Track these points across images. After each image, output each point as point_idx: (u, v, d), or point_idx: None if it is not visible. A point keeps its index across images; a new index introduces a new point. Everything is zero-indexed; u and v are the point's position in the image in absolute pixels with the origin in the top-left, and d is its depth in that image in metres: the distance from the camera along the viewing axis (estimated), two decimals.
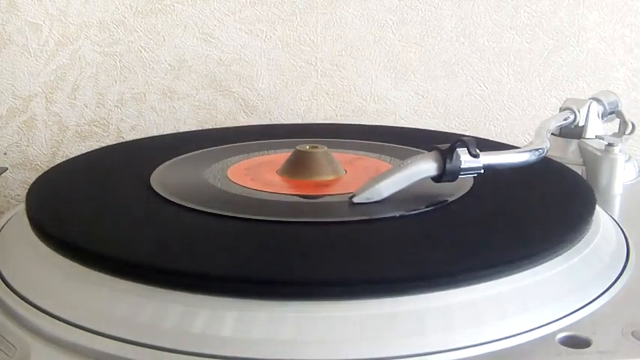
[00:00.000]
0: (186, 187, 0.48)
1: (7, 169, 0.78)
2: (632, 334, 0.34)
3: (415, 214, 0.43)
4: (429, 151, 0.45)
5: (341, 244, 0.40)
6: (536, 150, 0.48)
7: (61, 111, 0.79)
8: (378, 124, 0.78)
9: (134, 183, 0.49)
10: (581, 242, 0.41)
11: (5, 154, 0.80)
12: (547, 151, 0.48)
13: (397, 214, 0.43)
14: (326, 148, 0.52)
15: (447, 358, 0.33)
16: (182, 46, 0.79)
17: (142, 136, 0.78)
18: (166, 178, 0.50)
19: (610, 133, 0.62)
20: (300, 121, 0.81)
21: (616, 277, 0.41)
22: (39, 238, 0.41)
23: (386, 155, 0.56)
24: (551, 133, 0.57)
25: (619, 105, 0.63)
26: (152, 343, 0.33)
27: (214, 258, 0.38)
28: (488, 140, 0.60)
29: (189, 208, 0.44)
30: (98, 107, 0.80)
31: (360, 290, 0.34)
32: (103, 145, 0.79)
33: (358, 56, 0.81)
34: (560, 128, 0.61)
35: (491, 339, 0.34)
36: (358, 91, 0.81)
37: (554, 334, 0.35)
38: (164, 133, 0.79)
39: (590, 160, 0.58)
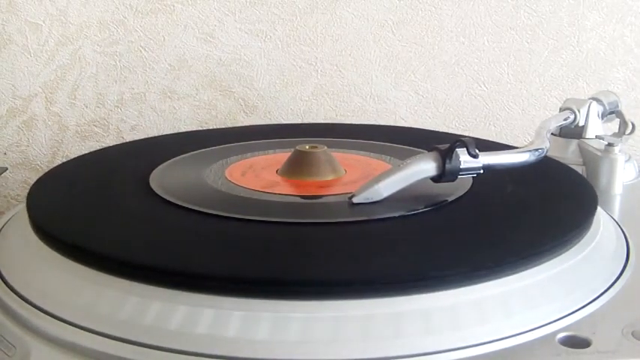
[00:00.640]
0: (186, 188, 0.48)
1: (7, 169, 0.78)
2: (632, 334, 0.35)
3: (415, 215, 0.43)
4: (428, 152, 0.45)
5: (341, 245, 0.40)
6: (536, 150, 0.47)
7: (61, 111, 0.79)
8: (378, 124, 0.78)
9: (134, 183, 0.49)
10: (581, 242, 0.41)
11: (5, 154, 0.80)
12: (547, 151, 0.48)
13: (397, 214, 0.43)
14: (326, 148, 0.52)
15: (447, 358, 0.33)
16: (182, 46, 0.79)
17: (142, 136, 0.78)
18: (166, 178, 0.50)
19: (610, 133, 0.62)
20: (300, 121, 0.81)
21: (616, 277, 0.41)
22: (39, 238, 0.41)
23: (386, 155, 0.56)
24: (551, 133, 0.57)
25: (619, 105, 0.63)
26: (152, 343, 0.33)
27: (214, 258, 0.38)
28: (487, 141, 0.60)
29: (190, 208, 0.44)
30: (98, 107, 0.80)
31: (360, 290, 0.34)
32: (104, 145, 0.79)
33: (358, 56, 0.81)
34: (560, 128, 0.61)
35: (491, 339, 0.34)
36: (358, 91, 0.81)
37: (554, 333, 0.35)
38: (164, 133, 0.79)
39: (590, 160, 0.58)
